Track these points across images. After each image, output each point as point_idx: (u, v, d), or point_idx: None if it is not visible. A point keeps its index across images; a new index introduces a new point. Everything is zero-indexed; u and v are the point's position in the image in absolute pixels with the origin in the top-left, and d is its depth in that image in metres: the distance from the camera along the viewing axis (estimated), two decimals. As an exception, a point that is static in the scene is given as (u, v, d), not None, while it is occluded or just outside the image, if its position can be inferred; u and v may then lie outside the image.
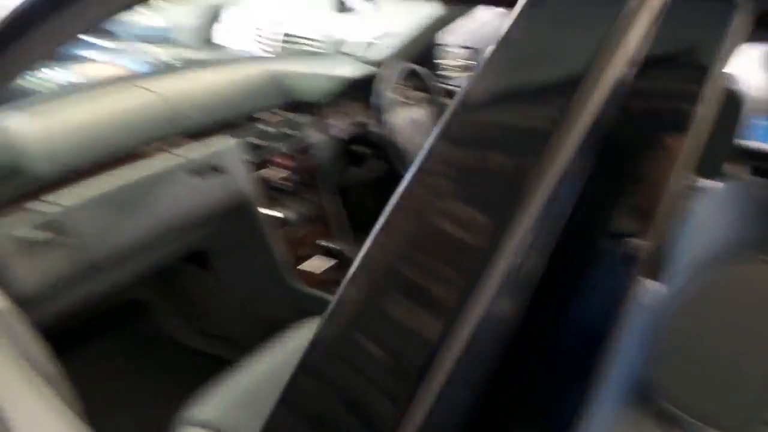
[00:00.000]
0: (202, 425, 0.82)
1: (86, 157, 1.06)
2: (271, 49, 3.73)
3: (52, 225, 0.98)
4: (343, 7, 3.72)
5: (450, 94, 1.98)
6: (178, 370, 1.53)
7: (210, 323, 1.64)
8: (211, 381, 0.93)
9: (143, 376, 1.50)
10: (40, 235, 0.96)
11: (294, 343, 1.07)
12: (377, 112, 1.58)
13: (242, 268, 1.52)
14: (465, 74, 2.26)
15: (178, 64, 1.59)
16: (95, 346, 1.53)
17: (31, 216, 0.96)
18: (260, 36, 3.83)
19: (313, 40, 3.54)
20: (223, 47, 3.88)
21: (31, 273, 0.96)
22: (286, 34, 3.70)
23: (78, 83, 1.23)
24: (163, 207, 1.17)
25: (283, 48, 3.68)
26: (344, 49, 3.30)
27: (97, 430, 0.79)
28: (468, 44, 2.27)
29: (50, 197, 1.00)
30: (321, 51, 2.57)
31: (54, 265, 0.99)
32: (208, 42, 4.06)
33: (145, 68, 1.54)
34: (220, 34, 4.02)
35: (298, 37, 3.64)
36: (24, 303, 0.98)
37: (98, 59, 1.54)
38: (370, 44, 3.11)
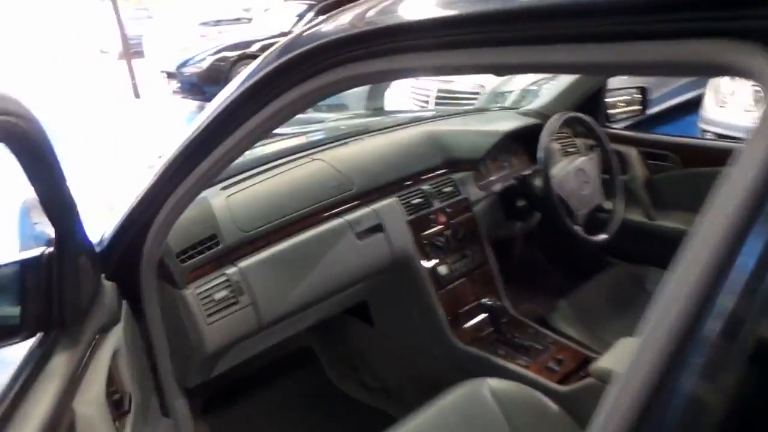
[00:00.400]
0: None
1: (265, 224, 1.21)
2: (425, 105, 3.88)
3: (234, 286, 1.13)
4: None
5: (617, 138, 1.82)
6: (342, 421, 1.60)
7: (370, 375, 1.69)
8: None
9: (310, 427, 1.58)
10: (224, 294, 1.11)
11: (456, 404, 1.04)
12: (540, 163, 1.52)
13: (401, 322, 1.55)
14: (634, 116, 2.07)
15: (346, 129, 1.75)
16: (268, 392, 1.67)
17: (219, 278, 1.12)
18: (415, 93, 4.04)
19: (466, 94, 3.60)
20: (388, 111, 4.12)
21: (216, 330, 1.10)
22: (440, 90, 3.84)
23: (263, 156, 1.42)
24: (329, 266, 1.26)
25: (437, 103, 3.81)
26: (499, 100, 3.29)
27: None
28: (636, 84, 2.09)
29: (234, 261, 1.15)
30: (478, 106, 2.61)
31: (234, 322, 1.13)
32: (374, 105, 4.38)
33: (320, 136, 1.71)
34: (389, 99, 4.31)
35: (452, 92, 3.75)
36: (209, 357, 1.13)
37: (285, 133, 1.74)
38: (525, 92, 3.05)
